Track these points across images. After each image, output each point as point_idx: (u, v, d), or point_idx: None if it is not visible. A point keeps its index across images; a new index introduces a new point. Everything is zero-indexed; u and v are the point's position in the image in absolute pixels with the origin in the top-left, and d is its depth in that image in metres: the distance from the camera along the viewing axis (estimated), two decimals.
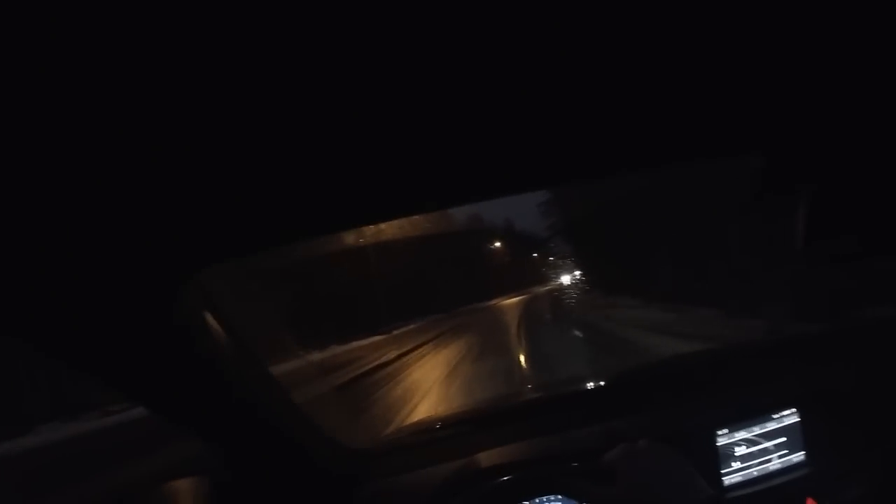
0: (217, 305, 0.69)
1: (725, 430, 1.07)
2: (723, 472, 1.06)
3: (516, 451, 1.05)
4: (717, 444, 1.06)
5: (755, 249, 6.88)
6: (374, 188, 0.52)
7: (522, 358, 7.80)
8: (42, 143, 0.36)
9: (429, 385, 6.57)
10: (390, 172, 0.50)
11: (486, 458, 1.03)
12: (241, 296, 0.82)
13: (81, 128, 0.36)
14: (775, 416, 1.10)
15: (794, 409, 1.11)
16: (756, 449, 1.09)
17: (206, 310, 0.67)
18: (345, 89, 0.38)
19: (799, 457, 1.11)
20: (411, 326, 18.21)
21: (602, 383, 1.36)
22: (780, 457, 1.10)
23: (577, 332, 9.68)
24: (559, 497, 1.00)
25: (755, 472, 1.08)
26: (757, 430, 1.09)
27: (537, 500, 1.00)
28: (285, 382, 0.87)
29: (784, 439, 1.11)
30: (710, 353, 1.62)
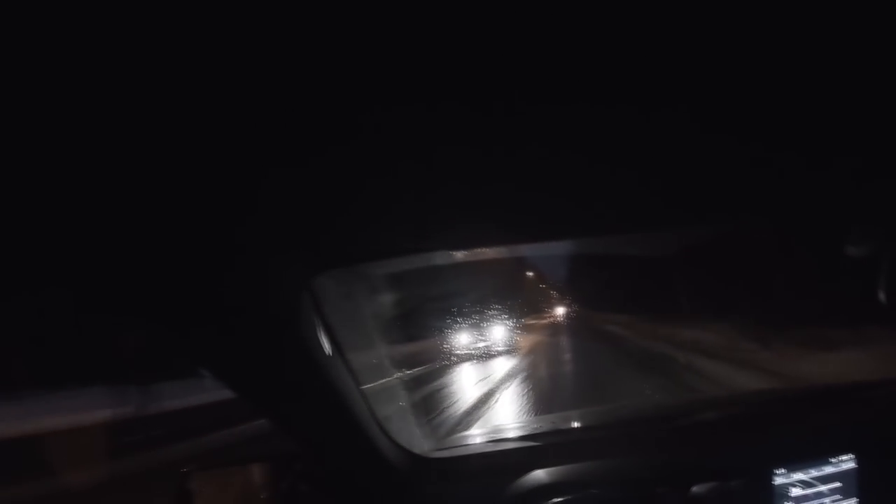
0: (319, 304, 0.81)
1: (783, 470, 1.07)
2: None
3: (572, 472, 1.07)
4: (774, 482, 1.07)
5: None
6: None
7: (576, 381, 7.45)
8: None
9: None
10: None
11: (542, 476, 1.05)
12: (341, 296, 0.96)
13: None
14: (833, 459, 1.09)
15: (851, 455, 1.10)
16: (811, 491, 1.08)
17: (311, 308, 0.80)
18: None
19: (851, 502, 1.10)
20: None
21: (664, 413, 1.37)
22: (833, 501, 1.09)
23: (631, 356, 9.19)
24: None
25: None
26: (814, 473, 1.08)
27: None
28: (362, 376, 0.97)
29: (839, 484, 1.09)
30: (774, 392, 1.57)
